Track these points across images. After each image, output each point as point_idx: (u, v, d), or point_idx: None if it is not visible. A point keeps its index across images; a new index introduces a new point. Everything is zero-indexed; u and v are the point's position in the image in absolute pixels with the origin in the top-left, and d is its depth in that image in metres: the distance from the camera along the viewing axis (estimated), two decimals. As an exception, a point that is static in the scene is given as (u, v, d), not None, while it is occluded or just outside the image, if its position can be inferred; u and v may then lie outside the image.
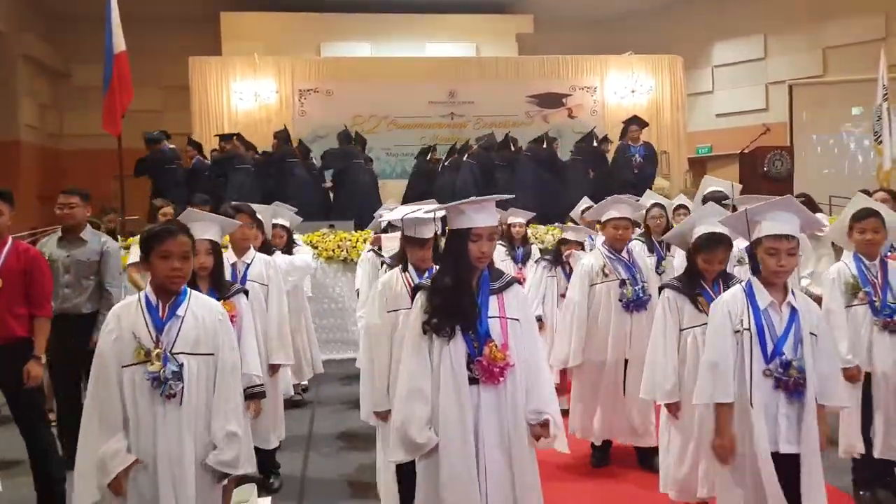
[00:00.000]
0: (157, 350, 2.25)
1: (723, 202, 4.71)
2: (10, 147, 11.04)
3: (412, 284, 2.84)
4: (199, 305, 2.38)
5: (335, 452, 4.37)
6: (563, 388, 4.90)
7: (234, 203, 3.87)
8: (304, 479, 3.92)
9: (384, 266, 4.03)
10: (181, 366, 2.26)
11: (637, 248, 4.79)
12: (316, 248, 7.20)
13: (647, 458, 3.84)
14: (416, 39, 11.79)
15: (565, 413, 4.19)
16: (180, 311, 2.33)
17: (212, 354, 2.33)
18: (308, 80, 10.80)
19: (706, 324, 2.80)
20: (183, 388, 2.25)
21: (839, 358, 2.98)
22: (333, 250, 7.21)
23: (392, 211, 3.82)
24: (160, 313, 2.31)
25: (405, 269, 3.00)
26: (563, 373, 4.85)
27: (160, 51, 11.46)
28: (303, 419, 4.96)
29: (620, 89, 11.31)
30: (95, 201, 5.14)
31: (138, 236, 2.51)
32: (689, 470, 3.00)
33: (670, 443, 3.10)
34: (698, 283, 3.05)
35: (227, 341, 2.38)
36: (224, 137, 8.90)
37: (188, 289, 2.41)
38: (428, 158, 9.40)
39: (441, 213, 2.86)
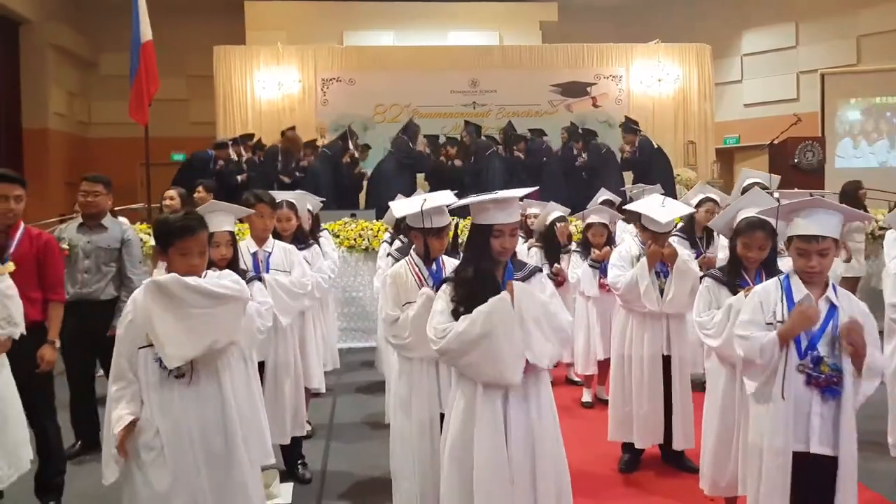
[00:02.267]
0: None
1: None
2: (39, 135, 11.23)
3: (421, 276, 2.82)
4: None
5: (357, 440, 4.39)
6: (603, 377, 4.86)
7: (254, 191, 3.81)
8: (325, 467, 3.94)
9: (389, 257, 4.01)
10: None
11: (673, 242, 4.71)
12: (338, 237, 7.23)
13: (675, 457, 3.76)
14: (439, 28, 11.72)
15: (607, 402, 4.16)
16: None
17: None
18: (331, 69, 10.80)
19: None
20: (192, 368, 2.30)
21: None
22: (355, 239, 7.23)
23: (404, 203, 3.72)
24: None
25: (412, 260, 2.90)
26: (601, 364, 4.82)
27: (185, 40, 11.55)
28: (324, 408, 4.99)
29: (646, 78, 11.13)
30: (122, 189, 5.22)
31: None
32: (731, 466, 2.91)
33: (708, 438, 3.03)
34: (739, 273, 2.94)
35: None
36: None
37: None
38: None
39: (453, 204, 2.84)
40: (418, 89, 10.69)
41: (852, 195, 6.17)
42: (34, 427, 3.30)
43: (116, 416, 2.29)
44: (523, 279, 2.39)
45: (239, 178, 8.45)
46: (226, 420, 2.35)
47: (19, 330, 2.61)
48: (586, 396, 4.97)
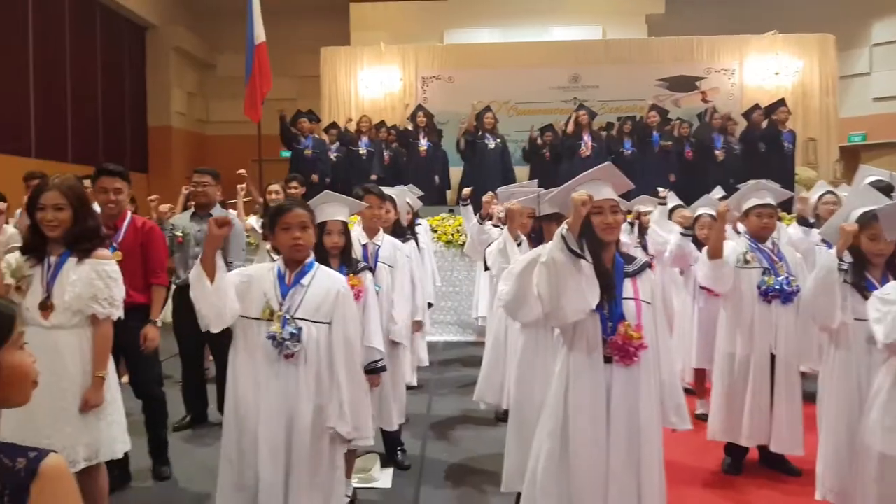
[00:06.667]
0: (279, 313, 2.40)
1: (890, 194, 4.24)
2: (163, 132, 12.10)
3: None
4: (323, 277, 2.51)
5: (453, 431, 4.42)
6: (701, 391, 4.63)
7: (363, 185, 3.93)
8: (423, 458, 3.98)
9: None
10: (300, 329, 2.38)
11: (791, 238, 4.51)
12: (436, 231, 7.30)
13: (779, 461, 3.62)
14: (541, 23, 11.55)
15: (704, 417, 4.00)
16: (304, 281, 2.47)
17: (329, 323, 2.44)
18: (431, 68, 10.92)
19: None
20: (302, 349, 2.38)
21: None
22: (452, 234, 7.27)
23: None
24: (287, 280, 2.47)
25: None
26: (699, 373, 4.59)
27: (295, 41, 12.05)
28: (422, 400, 5.04)
29: (762, 71, 10.49)
30: (236, 184, 5.50)
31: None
32: (846, 475, 2.74)
33: (823, 446, 2.87)
34: (863, 275, 2.78)
35: (345, 314, 2.47)
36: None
37: (316, 262, 2.54)
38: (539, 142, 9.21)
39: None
40: (517, 86, 10.58)
41: None
42: (143, 399, 3.56)
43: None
44: (634, 273, 2.37)
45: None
46: (315, 397, 2.42)
47: (118, 312, 2.75)
48: (700, 408, 4.55)
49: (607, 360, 2.27)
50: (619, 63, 10.55)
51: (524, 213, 3.45)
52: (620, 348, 2.24)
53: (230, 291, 2.37)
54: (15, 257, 2.70)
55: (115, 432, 2.77)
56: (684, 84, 10.54)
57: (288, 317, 2.39)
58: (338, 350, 2.42)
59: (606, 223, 2.29)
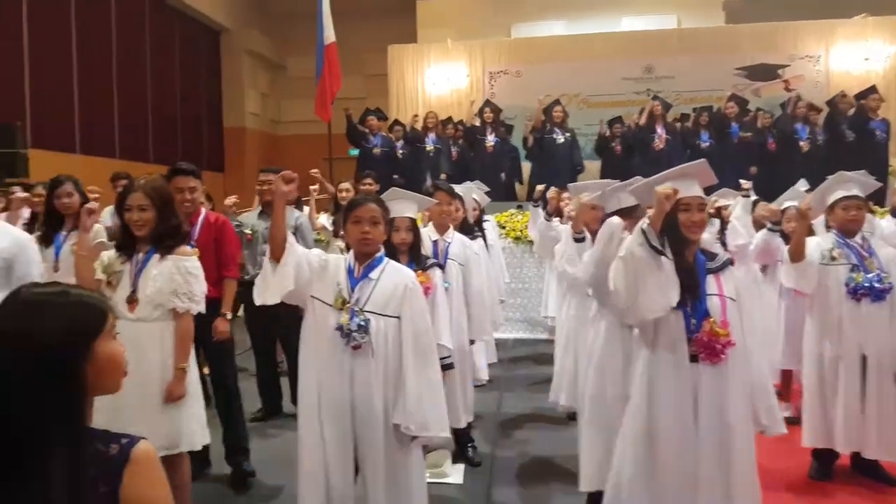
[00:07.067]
0: (347, 304, 2.41)
1: None
2: (238, 132, 12.53)
3: None
4: (392, 272, 2.52)
5: (524, 431, 4.36)
6: (787, 393, 4.42)
7: (434, 182, 3.95)
8: (493, 455, 3.94)
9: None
10: (367, 321, 2.39)
11: (883, 231, 4.24)
12: (504, 227, 7.24)
13: (872, 468, 3.41)
14: (611, 14, 11.26)
15: (793, 422, 3.80)
16: (373, 275, 2.48)
17: (398, 318, 2.43)
18: (498, 63, 10.83)
19: None
20: (369, 342, 2.38)
21: None
22: (521, 230, 7.19)
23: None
24: (355, 274, 2.49)
25: None
26: (786, 374, 4.38)
27: (362, 41, 12.20)
28: (492, 398, 5.00)
29: (850, 57, 9.86)
30: (309, 181, 5.61)
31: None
32: None
33: None
34: None
35: (413, 308, 2.46)
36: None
37: (385, 257, 2.55)
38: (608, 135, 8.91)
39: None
40: (587, 78, 10.36)
41: None
42: (218, 392, 3.62)
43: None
44: (717, 269, 2.29)
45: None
46: (384, 389, 2.42)
47: (199, 308, 2.83)
48: (784, 410, 4.41)
49: (693, 359, 2.18)
50: (695, 52, 10.16)
51: (599, 209, 3.35)
52: (706, 346, 2.16)
53: (289, 274, 2.40)
54: (108, 255, 2.84)
55: (194, 425, 2.85)
56: (765, 73, 10.04)
57: (356, 309, 2.40)
58: (407, 345, 2.41)
59: (693, 221, 2.22)
